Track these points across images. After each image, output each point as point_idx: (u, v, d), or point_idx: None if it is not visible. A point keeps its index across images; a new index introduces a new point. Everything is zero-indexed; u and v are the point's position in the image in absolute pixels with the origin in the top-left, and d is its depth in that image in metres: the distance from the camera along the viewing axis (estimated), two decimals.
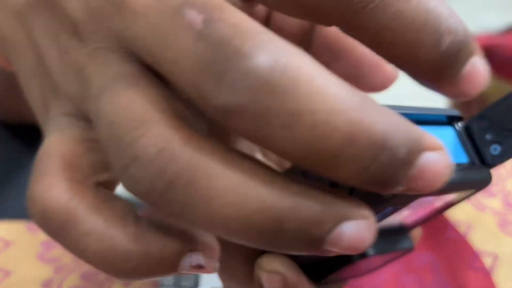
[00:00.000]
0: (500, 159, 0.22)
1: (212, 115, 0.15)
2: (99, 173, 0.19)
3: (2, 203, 0.40)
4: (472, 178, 0.22)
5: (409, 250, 0.26)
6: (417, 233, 0.29)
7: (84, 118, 0.19)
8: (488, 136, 0.22)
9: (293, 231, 0.15)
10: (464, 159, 0.23)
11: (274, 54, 0.14)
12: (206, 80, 0.15)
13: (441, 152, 0.15)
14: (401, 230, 0.26)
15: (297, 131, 0.14)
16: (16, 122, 0.43)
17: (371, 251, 0.24)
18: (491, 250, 0.42)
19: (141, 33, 0.16)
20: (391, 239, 0.25)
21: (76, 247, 0.18)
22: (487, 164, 0.23)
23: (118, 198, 0.19)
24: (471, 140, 0.23)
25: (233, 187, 0.15)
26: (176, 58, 0.16)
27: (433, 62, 0.17)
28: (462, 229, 0.44)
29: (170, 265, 0.18)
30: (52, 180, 0.18)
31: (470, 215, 0.44)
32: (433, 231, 0.43)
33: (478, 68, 0.18)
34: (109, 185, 0.20)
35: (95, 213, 0.18)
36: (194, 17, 0.15)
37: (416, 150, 0.15)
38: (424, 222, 0.26)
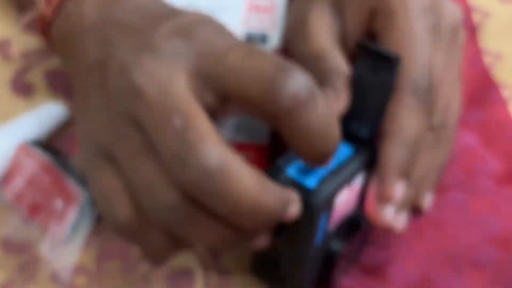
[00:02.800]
0: (370, 136, 0.30)
1: (182, 185, 0.24)
2: None
3: None
4: (360, 161, 0.30)
5: (366, 227, 0.32)
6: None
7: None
8: (354, 125, 0.31)
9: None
10: (351, 151, 0.30)
11: (216, 158, 0.24)
12: (176, 165, 0.24)
13: (294, 203, 0.26)
14: (350, 218, 0.32)
15: (223, 207, 0.24)
16: None
17: (338, 248, 0.31)
18: None
19: (145, 116, 0.25)
20: (348, 229, 0.32)
21: None
22: (365, 143, 0.31)
23: None
24: (348, 135, 0.31)
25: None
26: (162, 141, 0.24)
27: (321, 155, 0.26)
28: (489, 59, 0.41)
29: None
30: (126, 206, 0.26)
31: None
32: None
33: None
34: None
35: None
36: (177, 122, 0.24)
37: (284, 210, 0.25)
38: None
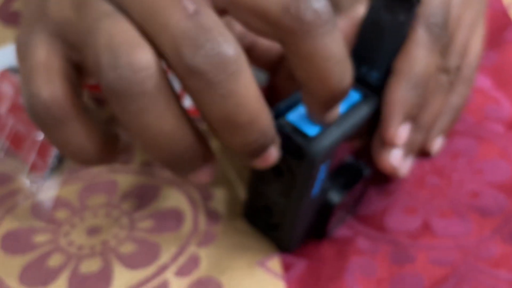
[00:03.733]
0: (381, 82, 0.28)
1: (179, 71, 0.21)
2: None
3: None
4: (367, 109, 0.27)
5: (368, 176, 0.30)
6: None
7: (63, 37, 0.23)
8: (363, 69, 0.28)
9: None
10: (358, 97, 0.28)
11: (234, 49, 0.21)
12: (186, 47, 0.21)
13: (276, 146, 0.24)
14: (352, 165, 0.30)
15: (225, 103, 0.21)
16: None
17: (336, 199, 0.28)
18: None
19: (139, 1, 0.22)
20: (349, 178, 0.29)
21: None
22: (374, 89, 0.28)
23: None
24: (357, 81, 0.29)
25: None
26: (166, 25, 0.21)
27: (333, 94, 0.23)
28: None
29: None
30: (56, 85, 0.23)
31: None
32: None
33: None
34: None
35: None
36: (189, 4, 0.21)
37: (270, 143, 0.23)
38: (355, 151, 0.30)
